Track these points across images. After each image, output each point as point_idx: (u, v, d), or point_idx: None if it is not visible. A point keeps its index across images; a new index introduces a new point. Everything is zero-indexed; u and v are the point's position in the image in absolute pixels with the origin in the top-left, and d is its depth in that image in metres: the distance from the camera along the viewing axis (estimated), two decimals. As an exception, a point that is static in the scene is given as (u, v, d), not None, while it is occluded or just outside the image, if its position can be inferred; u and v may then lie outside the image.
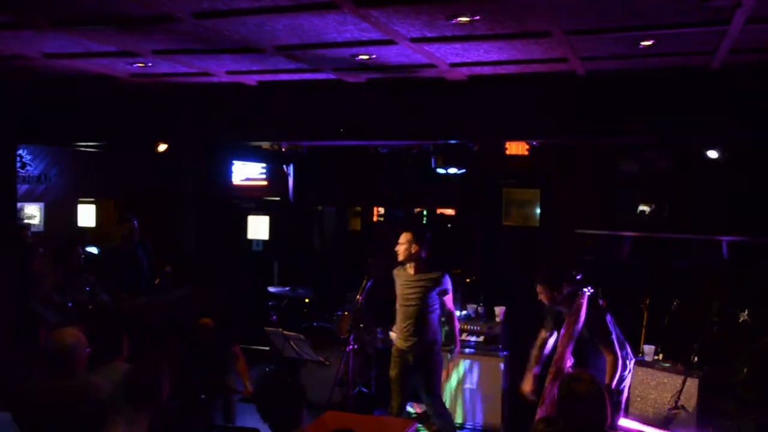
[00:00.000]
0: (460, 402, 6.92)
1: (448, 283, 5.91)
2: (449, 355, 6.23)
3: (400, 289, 5.95)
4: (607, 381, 5.26)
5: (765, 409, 5.79)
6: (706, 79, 5.15)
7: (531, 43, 4.35)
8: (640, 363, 6.27)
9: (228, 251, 8.65)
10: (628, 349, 5.59)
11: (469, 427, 6.84)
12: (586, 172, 7.97)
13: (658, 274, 7.17)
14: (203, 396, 5.51)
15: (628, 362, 5.52)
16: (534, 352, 5.76)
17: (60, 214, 8.59)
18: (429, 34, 4.19)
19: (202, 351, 5.74)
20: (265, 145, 8.73)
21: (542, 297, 5.58)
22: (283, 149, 9.04)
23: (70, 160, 8.69)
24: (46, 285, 6.08)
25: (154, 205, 9.00)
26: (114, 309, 6.46)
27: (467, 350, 6.92)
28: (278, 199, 10.16)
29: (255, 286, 9.57)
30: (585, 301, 5.88)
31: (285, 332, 6.95)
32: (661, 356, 6.56)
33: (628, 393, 5.69)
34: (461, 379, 6.91)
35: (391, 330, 6.30)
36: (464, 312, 7.37)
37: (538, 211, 8.85)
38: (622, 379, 5.46)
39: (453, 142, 6.91)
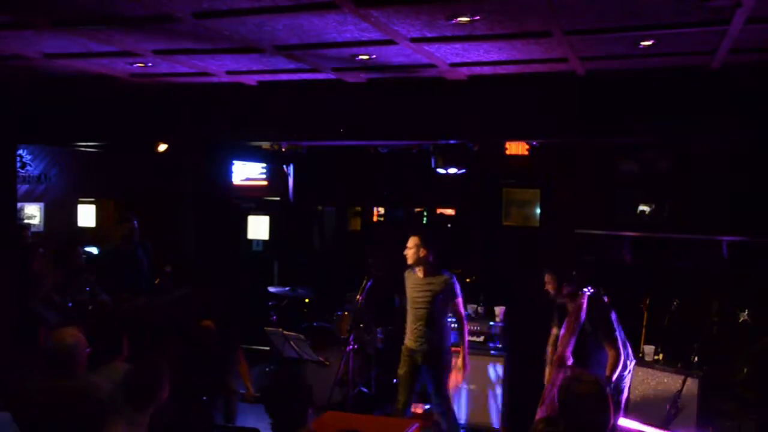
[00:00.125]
0: (459, 402, 6.91)
1: (456, 287, 5.93)
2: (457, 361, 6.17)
3: (409, 291, 6.00)
4: (607, 373, 5.26)
5: (765, 409, 5.79)
6: (706, 79, 5.15)
7: (531, 43, 4.35)
8: (640, 363, 6.27)
9: (228, 251, 8.64)
10: (630, 350, 5.59)
11: (469, 427, 6.84)
12: (586, 172, 7.96)
13: (658, 274, 7.17)
14: (205, 398, 5.51)
15: (628, 363, 5.53)
16: (549, 349, 5.77)
17: (60, 214, 8.59)
18: (429, 34, 4.19)
19: (204, 353, 5.74)
20: (265, 145, 8.73)
21: (549, 287, 5.60)
22: (283, 149, 9.04)
23: (70, 160, 8.69)
24: (46, 285, 6.08)
25: (154, 205, 9.00)
26: (114, 309, 6.46)
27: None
28: (278, 199, 10.16)
29: (255, 286, 9.57)
30: (585, 301, 5.89)
31: (285, 332, 6.95)
32: (661, 356, 6.57)
33: (628, 393, 5.69)
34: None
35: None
36: (464, 312, 7.36)
37: (538, 211, 8.84)
38: (621, 378, 5.46)
39: (453, 142, 6.91)
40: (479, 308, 7.45)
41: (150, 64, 5.24)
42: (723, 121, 5.29)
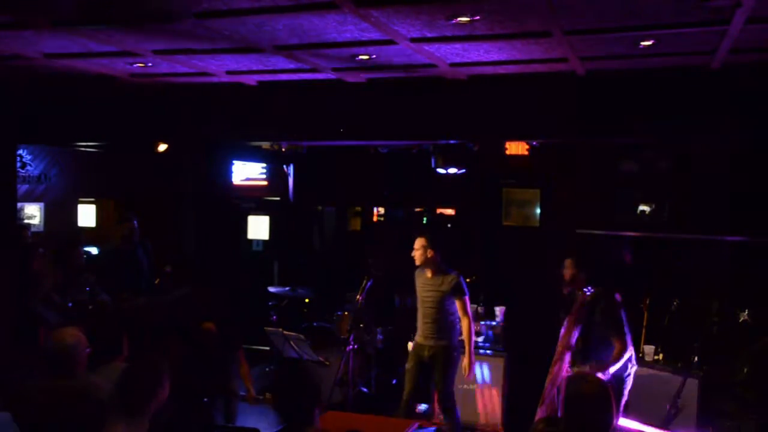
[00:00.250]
0: (460, 402, 6.91)
1: (463, 286, 6.01)
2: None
3: (419, 290, 6.15)
4: (610, 361, 5.26)
5: (765, 409, 5.79)
6: (706, 79, 5.15)
7: (531, 43, 4.35)
8: (641, 363, 6.27)
9: (228, 251, 8.64)
10: (633, 354, 5.58)
11: (469, 427, 6.83)
12: (586, 172, 7.96)
13: (658, 274, 7.17)
14: (206, 399, 5.51)
15: (629, 365, 5.51)
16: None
17: (60, 214, 8.58)
18: (429, 34, 4.19)
19: (205, 354, 5.74)
20: (265, 145, 8.73)
21: (567, 273, 5.65)
22: (283, 149, 9.04)
23: (70, 160, 8.69)
24: (46, 285, 6.08)
25: (154, 205, 9.00)
26: (114, 309, 6.46)
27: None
28: (278, 199, 10.16)
29: (255, 286, 9.57)
30: (585, 301, 5.89)
31: (285, 332, 6.95)
32: (661, 356, 6.57)
33: (629, 396, 5.68)
34: (461, 379, 6.90)
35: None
36: (471, 311, 7.37)
37: (538, 211, 8.85)
38: (623, 381, 5.44)
39: (453, 142, 6.90)
40: (479, 308, 7.45)
41: (150, 64, 5.24)
42: (723, 121, 5.29)
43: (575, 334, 5.72)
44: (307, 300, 8.94)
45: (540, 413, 5.78)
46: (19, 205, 7.45)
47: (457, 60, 4.89)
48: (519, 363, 7.19)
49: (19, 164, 7.49)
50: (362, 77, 5.61)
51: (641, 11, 3.70)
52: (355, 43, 4.43)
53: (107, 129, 6.75)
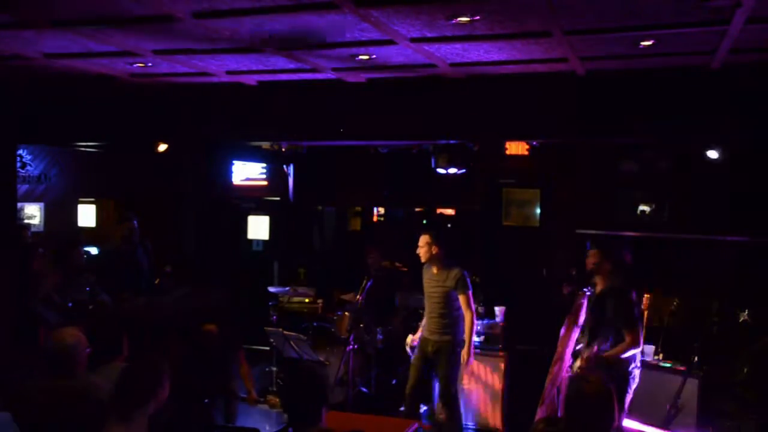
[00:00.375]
0: (460, 402, 6.91)
1: (467, 281, 6.09)
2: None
3: (425, 286, 6.28)
4: (619, 349, 5.26)
5: (765, 409, 5.79)
6: (706, 79, 5.15)
7: (531, 43, 4.35)
8: (641, 363, 6.26)
9: (228, 251, 8.64)
10: (638, 355, 5.57)
11: (469, 427, 6.83)
12: (586, 172, 7.96)
13: (658, 274, 7.16)
14: (206, 400, 5.50)
15: (635, 362, 5.49)
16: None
17: (60, 214, 8.58)
18: (429, 34, 4.19)
19: (205, 355, 5.74)
20: (265, 145, 8.73)
21: (591, 261, 5.60)
22: (283, 149, 9.04)
23: (70, 160, 8.69)
24: (46, 285, 6.08)
25: (154, 205, 9.00)
26: (114, 309, 6.46)
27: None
28: (278, 199, 10.16)
29: (255, 286, 9.57)
30: (585, 301, 5.89)
31: (285, 332, 6.95)
32: (661, 356, 6.56)
33: (632, 396, 5.66)
34: (461, 379, 6.90)
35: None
36: (474, 306, 7.37)
37: (538, 211, 8.85)
38: (628, 382, 5.42)
39: (453, 142, 6.89)
40: (479, 308, 7.44)
41: (150, 64, 5.24)
42: (723, 121, 5.28)
43: (571, 346, 5.72)
44: (307, 300, 8.94)
45: (540, 413, 5.78)
46: (19, 205, 7.45)
47: (457, 60, 4.89)
48: (519, 363, 7.18)
49: (19, 164, 7.49)
50: (362, 77, 5.60)
51: (641, 11, 3.70)
52: (355, 43, 4.43)
53: (107, 129, 6.75)
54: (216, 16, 3.85)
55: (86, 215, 9.19)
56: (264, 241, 10.10)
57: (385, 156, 9.12)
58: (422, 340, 6.26)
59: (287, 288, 8.39)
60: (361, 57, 4.82)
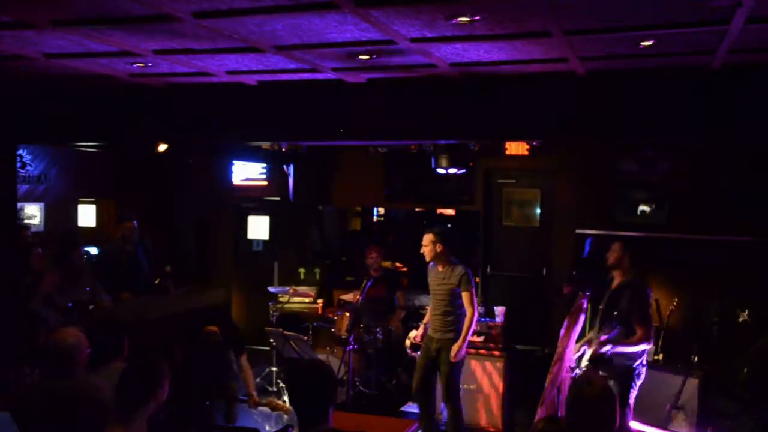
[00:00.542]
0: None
1: (471, 279, 6.13)
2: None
3: (431, 284, 6.33)
4: (630, 341, 5.28)
5: (765, 409, 5.79)
6: (706, 79, 5.15)
7: (531, 43, 4.35)
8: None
9: (228, 251, 8.64)
10: (646, 356, 5.58)
11: (469, 427, 6.83)
12: (586, 172, 7.96)
13: (658, 274, 7.17)
14: (207, 402, 5.51)
15: (643, 360, 5.48)
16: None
17: (60, 214, 8.57)
18: (429, 34, 4.19)
19: (206, 357, 5.74)
20: (265, 145, 8.72)
21: (612, 255, 5.67)
22: (283, 149, 9.03)
23: (70, 160, 8.68)
24: (46, 285, 6.08)
25: (154, 205, 9.00)
26: (114, 309, 6.46)
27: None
28: (278, 199, 10.16)
29: (255, 286, 9.57)
30: (585, 302, 5.90)
31: (285, 332, 6.95)
32: (661, 356, 6.57)
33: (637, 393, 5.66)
34: (461, 379, 6.90)
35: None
36: (476, 304, 7.38)
37: (538, 211, 8.85)
38: (632, 374, 5.41)
39: (453, 142, 6.90)
40: (479, 308, 7.45)
41: (150, 64, 5.24)
42: (723, 121, 5.28)
43: (568, 354, 5.72)
44: (307, 300, 8.95)
45: (540, 413, 5.79)
46: (19, 205, 7.44)
47: (457, 60, 4.89)
48: (519, 363, 7.19)
49: (19, 164, 7.49)
50: (362, 77, 5.60)
51: (641, 11, 3.70)
52: (355, 43, 4.43)
53: (107, 129, 6.74)
54: (216, 16, 3.85)
55: (86, 215, 9.19)
56: (264, 241, 10.10)
57: (385, 156, 9.12)
58: (426, 338, 6.32)
59: (287, 288, 8.39)
60: (361, 57, 4.82)
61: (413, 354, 6.51)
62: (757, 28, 3.95)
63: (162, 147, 7.61)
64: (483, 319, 7.07)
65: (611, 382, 4.18)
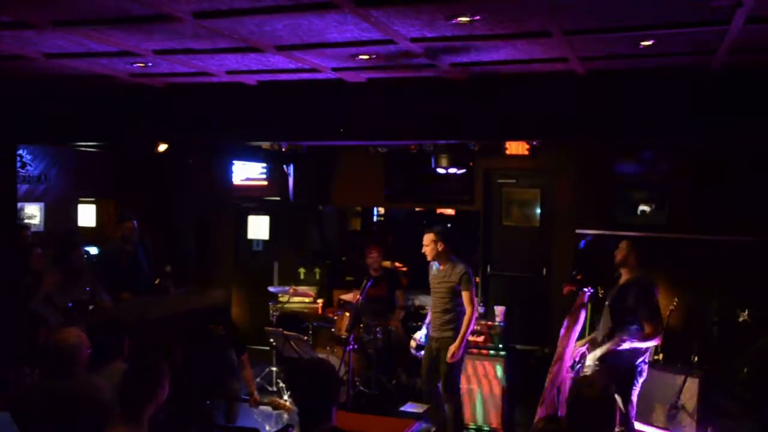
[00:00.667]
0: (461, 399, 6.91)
1: (471, 278, 6.17)
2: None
3: (431, 282, 6.40)
4: (640, 338, 5.34)
5: (765, 409, 5.80)
6: (706, 79, 5.15)
7: (531, 43, 4.35)
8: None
9: (228, 251, 8.64)
10: (650, 351, 5.60)
11: (469, 427, 6.84)
12: (586, 172, 7.96)
13: (658, 274, 7.16)
14: (208, 402, 5.51)
15: (642, 358, 5.50)
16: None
17: (60, 214, 8.57)
18: (429, 34, 4.19)
19: (207, 356, 5.75)
20: (265, 145, 8.72)
21: (620, 254, 5.74)
22: (283, 149, 9.03)
23: (70, 160, 8.68)
24: (46, 285, 6.08)
25: (154, 205, 8.99)
26: (114, 309, 6.46)
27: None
28: (278, 199, 10.16)
29: (255, 286, 9.57)
30: (585, 301, 5.90)
31: (285, 332, 6.95)
32: (661, 356, 6.57)
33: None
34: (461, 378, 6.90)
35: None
36: (476, 303, 7.39)
37: (538, 211, 8.85)
38: (635, 372, 5.43)
39: (453, 142, 6.89)
40: (479, 308, 7.45)
41: (150, 64, 5.23)
42: (723, 121, 5.28)
43: (568, 354, 5.73)
44: (306, 300, 8.95)
45: (540, 413, 5.79)
46: (19, 205, 7.44)
47: (457, 60, 4.89)
48: (519, 363, 7.19)
49: (19, 164, 7.49)
50: (362, 77, 5.60)
51: (641, 11, 3.70)
52: (355, 43, 4.43)
53: (107, 129, 6.74)
54: (216, 16, 3.85)
55: (86, 215, 9.19)
56: (264, 241, 10.10)
57: (385, 156, 9.12)
58: (428, 338, 6.40)
59: (287, 288, 8.39)
60: (361, 57, 4.82)
61: (417, 354, 6.56)
62: (757, 28, 3.95)
63: (162, 147, 7.61)
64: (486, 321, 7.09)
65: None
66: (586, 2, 3.55)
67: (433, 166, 8.16)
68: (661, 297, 6.83)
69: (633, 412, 5.53)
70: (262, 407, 5.70)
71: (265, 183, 10.31)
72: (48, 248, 6.65)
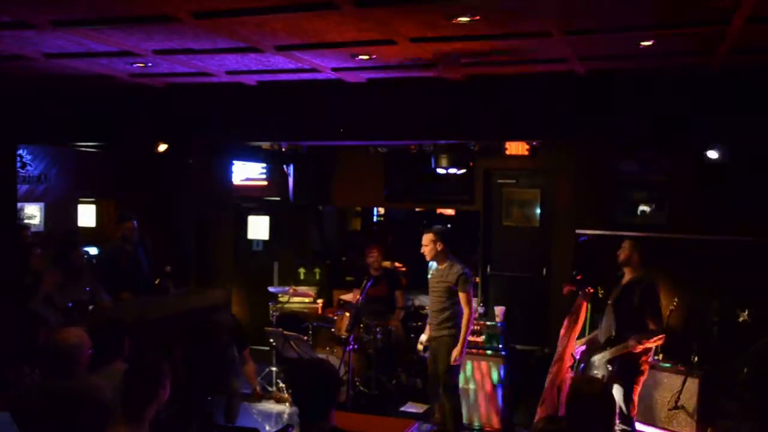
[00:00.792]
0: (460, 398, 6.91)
1: (468, 278, 6.17)
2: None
3: (430, 282, 6.40)
4: (646, 337, 5.34)
5: (765, 409, 5.79)
6: (706, 79, 5.15)
7: (531, 42, 4.35)
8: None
9: (228, 251, 8.64)
10: (653, 349, 5.61)
11: (469, 427, 6.84)
12: (586, 172, 7.96)
13: (658, 274, 7.16)
14: (209, 398, 5.51)
15: (645, 357, 5.52)
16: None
17: (60, 214, 8.57)
18: (429, 34, 4.19)
19: (209, 357, 5.75)
20: (265, 145, 8.72)
21: (623, 253, 5.74)
22: (283, 149, 9.03)
23: (70, 160, 8.67)
24: (46, 285, 6.07)
25: (154, 205, 8.99)
26: (114, 309, 6.46)
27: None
28: (278, 199, 10.15)
29: (255, 286, 9.56)
30: (586, 301, 5.90)
31: (285, 332, 6.95)
32: (661, 356, 6.56)
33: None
34: (461, 378, 6.90)
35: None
36: (474, 304, 7.39)
37: (538, 211, 8.84)
38: (637, 369, 5.44)
39: (453, 142, 6.89)
40: (479, 308, 7.45)
41: (150, 64, 5.24)
42: (723, 121, 5.29)
43: (571, 346, 5.73)
44: (306, 300, 8.94)
45: (540, 413, 5.79)
46: (19, 205, 7.44)
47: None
48: (519, 363, 7.18)
49: (19, 164, 7.48)
50: (362, 77, 5.60)
51: (641, 11, 3.70)
52: (355, 43, 4.43)
53: (107, 129, 6.75)
54: (216, 16, 3.85)
55: (86, 215, 9.18)
56: (264, 241, 10.10)
57: (385, 156, 9.12)
58: (429, 337, 6.43)
59: (287, 288, 8.39)
60: (361, 57, 4.82)
61: (425, 356, 6.60)
62: (757, 28, 3.96)
63: (162, 147, 7.60)
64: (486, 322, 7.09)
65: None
66: (586, 2, 3.55)
67: (433, 166, 8.15)
68: (661, 297, 6.84)
69: (634, 412, 5.54)
70: (263, 405, 5.70)
71: (265, 183, 10.31)
72: (48, 248, 6.64)
